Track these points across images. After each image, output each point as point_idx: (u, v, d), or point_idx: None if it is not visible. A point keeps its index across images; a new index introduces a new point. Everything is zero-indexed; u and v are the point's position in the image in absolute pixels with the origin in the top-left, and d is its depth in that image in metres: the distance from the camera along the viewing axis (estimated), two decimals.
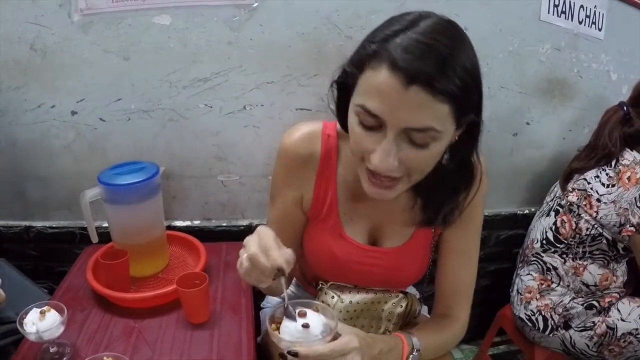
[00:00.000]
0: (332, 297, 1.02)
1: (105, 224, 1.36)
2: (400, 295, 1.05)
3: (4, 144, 1.43)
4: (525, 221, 1.75)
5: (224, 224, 1.58)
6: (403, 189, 0.81)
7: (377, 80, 0.68)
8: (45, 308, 0.98)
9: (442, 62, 0.65)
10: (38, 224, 1.54)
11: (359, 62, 0.72)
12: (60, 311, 0.99)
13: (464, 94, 0.68)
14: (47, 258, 1.57)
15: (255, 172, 1.53)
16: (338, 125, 0.94)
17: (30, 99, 1.38)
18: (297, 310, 0.74)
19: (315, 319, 0.74)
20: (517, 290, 1.62)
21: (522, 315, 1.57)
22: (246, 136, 1.47)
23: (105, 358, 0.88)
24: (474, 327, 1.08)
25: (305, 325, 0.72)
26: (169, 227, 1.52)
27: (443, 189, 0.89)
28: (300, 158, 0.94)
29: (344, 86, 0.79)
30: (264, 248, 0.72)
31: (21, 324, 0.96)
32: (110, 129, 1.43)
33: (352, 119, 0.75)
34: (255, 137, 1.48)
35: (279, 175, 0.97)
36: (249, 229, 1.58)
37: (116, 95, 1.39)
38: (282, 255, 0.72)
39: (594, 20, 1.59)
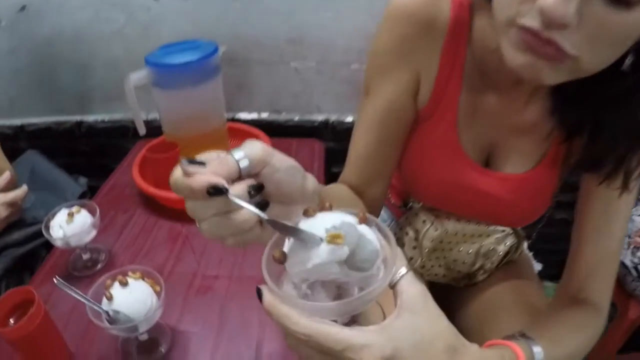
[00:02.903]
0: (424, 221, 0.82)
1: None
2: (507, 230, 0.84)
3: (51, 34, 1.31)
4: None
5: (296, 118, 1.41)
6: (562, 77, 0.51)
7: None
8: (74, 209, 0.85)
9: None
10: (89, 118, 1.47)
11: None
12: (92, 212, 0.86)
13: None
14: (100, 155, 1.52)
15: (335, 59, 1.30)
16: None
17: None
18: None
19: (324, 219, 0.39)
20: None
21: (627, 262, 1.28)
22: (324, 16, 1.24)
23: (130, 273, 0.73)
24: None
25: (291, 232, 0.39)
26: (232, 120, 1.39)
27: (622, 121, 0.58)
28: (422, 24, 0.66)
29: None
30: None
31: (47, 228, 0.84)
32: (165, 9, 1.26)
33: None
34: (335, 17, 1.24)
35: (386, 49, 0.69)
36: (325, 126, 1.40)
37: None
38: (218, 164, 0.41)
39: None
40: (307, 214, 0.40)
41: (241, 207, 0.40)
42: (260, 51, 1.30)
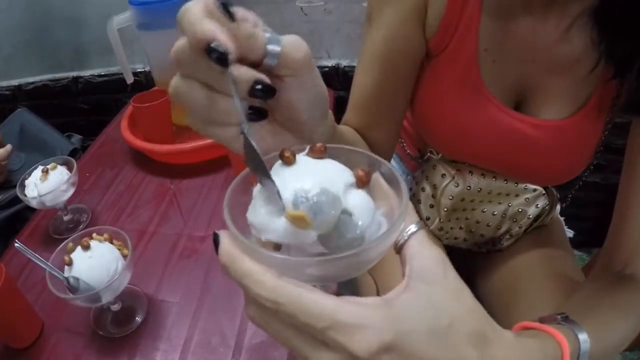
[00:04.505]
0: (443, 175, 0.71)
1: None
2: (539, 190, 0.73)
3: None
4: None
5: None
6: None
7: None
8: (49, 166, 0.78)
9: None
10: (86, 73, 1.42)
11: None
12: (70, 169, 0.79)
13: None
14: (98, 111, 1.47)
15: None
16: None
17: None
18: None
19: (302, 174, 0.28)
20: None
21: None
22: None
23: (95, 235, 0.64)
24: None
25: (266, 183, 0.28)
26: None
27: None
28: None
29: None
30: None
31: (22, 187, 0.77)
32: None
33: None
34: None
35: None
36: (335, 72, 1.29)
37: None
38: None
39: None
40: (283, 158, 0.28)
41: (229, 95, 0.29)
42: None
